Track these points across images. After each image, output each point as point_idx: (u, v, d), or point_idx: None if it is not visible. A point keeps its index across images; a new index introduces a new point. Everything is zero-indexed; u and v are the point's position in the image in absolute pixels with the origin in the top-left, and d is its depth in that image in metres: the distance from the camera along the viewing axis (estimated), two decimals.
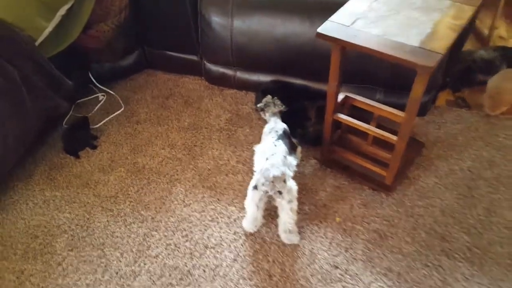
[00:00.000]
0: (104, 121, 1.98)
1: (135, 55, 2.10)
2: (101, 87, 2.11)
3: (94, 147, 1.87)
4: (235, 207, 1.59)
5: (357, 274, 1.36)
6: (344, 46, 1.27)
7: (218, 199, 1.62)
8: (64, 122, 1.96)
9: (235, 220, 1.54)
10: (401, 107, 1.59)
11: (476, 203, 1.52)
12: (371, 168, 1.57)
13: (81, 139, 1.86)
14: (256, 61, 1.86)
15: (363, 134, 1.59)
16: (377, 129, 1.45)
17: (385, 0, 1.31)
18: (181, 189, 1.67)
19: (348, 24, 1.24)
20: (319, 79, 1.82)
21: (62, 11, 1.64)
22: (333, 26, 1.25)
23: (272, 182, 1.29)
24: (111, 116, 2.00)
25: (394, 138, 1.39)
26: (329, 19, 1.28)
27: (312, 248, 1.44)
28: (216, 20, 1.77)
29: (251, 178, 1.39)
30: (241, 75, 1.94)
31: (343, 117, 1.51)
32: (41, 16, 1.58)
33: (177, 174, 1.73)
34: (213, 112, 1.99)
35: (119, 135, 1.92)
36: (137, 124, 1.97)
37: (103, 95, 2.10)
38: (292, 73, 1.86)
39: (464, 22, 1.19)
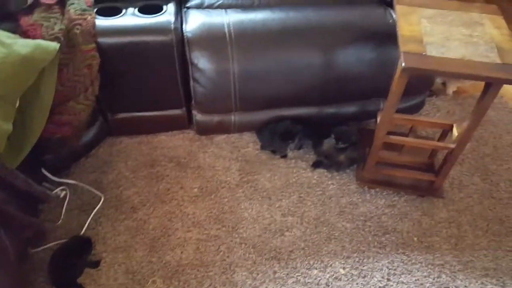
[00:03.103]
0: (88, 223, 1.48)
1: (96, 127, 1.61)
2: (56, 179, 1.56)
3: (95, 265, 1.38)
4: (317, 269, 1.40)
5: (466, 286, 1.37)
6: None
7: (293, 268, 1.40)
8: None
9: (327, 285, 1.36)
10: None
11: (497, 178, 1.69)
12: (420, 177, 1.58)
13: (77, 264, 1.35)
14: (262, 101, 1.64)
15: (392, 146, 1.58)
16: (433, 142, 1.46)
17: (430, 20, 1.29)
18: (244, 273, 1.38)
19: (424, 53, 1.18)
20: (331, 102, 1.73)
21: (17, 101, 1.12)
22: (412, 58, 1.18)
23: None
24: (93, 213, 1.51)
25: (453, 145, 1.41)
26: (402, 50, 1.19)
27: (417, 280, 1.38)
28: (213, 67, 1.48)
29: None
30: (242, 117, 1.69)
31: (394, 138, 1.46)
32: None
33: (227, 257, 1.42)
34: (218, 167, 1.69)
35: (120, 235, 1.47)
36: (135, 211, 1.54)
37: (64, 189, 1.56)
38: (300, 103, 1.71)
39: (507, 31, 1.26)
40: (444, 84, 2.02)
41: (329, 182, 1.65)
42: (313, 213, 1.55)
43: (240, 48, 1.47)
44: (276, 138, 1.67)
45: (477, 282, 1.38)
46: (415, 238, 1.49)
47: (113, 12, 1.41)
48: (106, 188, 1.60)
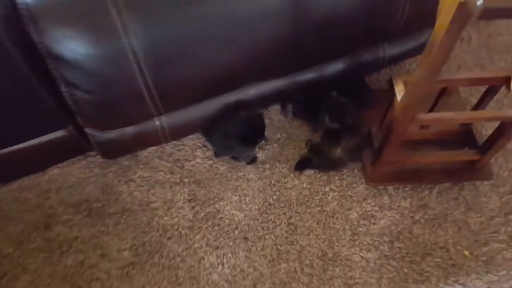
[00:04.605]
0: None
1: None
2: None
3: None
4: None
5: None
6: None
7: None
8: None
9: None
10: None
11: None
12: (459, 158, 1.07)
13: None
14: (199, 88, 0.98)
15: None
16: (487, 112, 0.91)
17: None
18: None
19: None
20: (308, 65, 1.11)
21: None
22: None
23: None
24: None
25: None
26: None
27: None
28: (94, 52, 0.79)
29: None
30: (174, 119, 1.04)
31: (428, 116, 0.90)
32: None
33: None
34: (155, 202, 1.08)
35: None
36: None
37: None
38: (260, 77, 1.08)
39: None
40: None
41: (327, 189, 1.10)
42: (315, 248, 1.02)
43: (134, 7, 0.78)
44: (235, 139, 1.05)
45: None
46: (467, 252, 1.02)
47: None
48: None
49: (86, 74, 0.82)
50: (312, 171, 1.13)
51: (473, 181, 1.11)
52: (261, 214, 1.06)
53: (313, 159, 1.11)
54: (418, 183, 1.10)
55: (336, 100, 1.06)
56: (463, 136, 1.10)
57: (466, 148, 1.10)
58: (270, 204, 1.08)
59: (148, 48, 0.83)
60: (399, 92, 0.90)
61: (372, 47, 1.16)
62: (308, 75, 1.13)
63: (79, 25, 0.78)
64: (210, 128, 1.10)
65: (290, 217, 1.06)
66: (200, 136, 1.16)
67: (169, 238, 1.03)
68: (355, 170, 1.13)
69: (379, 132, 1.09)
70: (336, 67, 1.15)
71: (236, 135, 1.03)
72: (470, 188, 1.10)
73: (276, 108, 1.25)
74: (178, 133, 1.10)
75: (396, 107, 0.90)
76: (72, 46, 0.78)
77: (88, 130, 0.97)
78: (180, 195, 1.09)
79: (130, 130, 1.00)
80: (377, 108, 1.12)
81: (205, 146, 1.16)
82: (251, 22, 0.90)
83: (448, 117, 0.90)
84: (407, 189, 1.10)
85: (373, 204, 1.08)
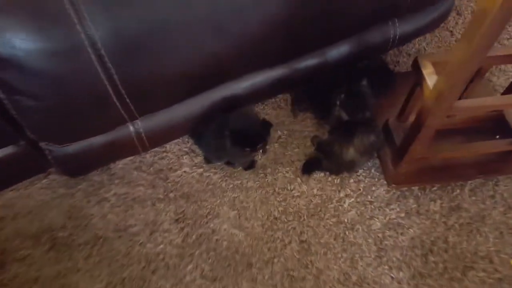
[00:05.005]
0: None
1: None
2: None
3: None
4: None
5: None
6: None
7: None
8: None
9: None
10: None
11: None
12: (495, 150, 0.90)
13: None
14: (181, 85, 0.79)
15: None
16: None
17: None
18: None
19: None
20: (310, 50, 0.93)
21: None
22: None
23: None
24: None
25: None
26: None
27: None
28: (41, 46, 0.60)
29: None
30: (152, 123, 0.84)
31: (467, 104, 0.73)
32: None
33: None
34: (135, 226, 0.88)
35: None
36: None
37: None
38: (254, 67, 0.89)
39: None
40: None
41: (341, 195, 0.92)
42: (335, 271, 0.84)
43: None
44: (228, 141, 0.85)
45: None
46: None
47: None
48: None
49: (31, 75, 0.62)
50: (322, 174, 0.95)
51: (509, 175, 0.95)
52: (265, 232, 0.88)
53: (322, 159, 0.93)
54: (446, 182, 0.94)
55: (354, 87, 0.87)
56: (493, 123, 0.94)
57: (497, 136, 0.94)
58: (275, 218, 0.90)
59: (111, 37, 0.64)
60: (430, 76, 0.73)
61: (382, 25, 0.98)
62: (310, 61, 0.95)
63: (18, 13, 0.59)
64: (199, 129, 0.90)
65: (301, 232, 0.88)
66: (187, 139, 0.97)
67: (153, 272, 0.83)
68: (373, 170, 0.96)
69: (399, 124, 0.92)
70: (341, 50, 0.98)
71: (233, 135, 0.83)
72: (506, 182, 0.94)
73: (273, 101, 1.06)
74: (158, 139, 0.90)
75: (427, 95, 0.72)
76: (10, 39, 0.59)
77: (43, 145, 0.76)
78: (165, 215, 0.89)
79: (97, 140, 0.80)
80: (392, 95, 0.96)
81: (193, 151, 0.97)
82: (241, 4, 0.71)
83: (492, 103, 0.73)
84: (434, 189, 0.93)
85: (398, 210, 0.91)
